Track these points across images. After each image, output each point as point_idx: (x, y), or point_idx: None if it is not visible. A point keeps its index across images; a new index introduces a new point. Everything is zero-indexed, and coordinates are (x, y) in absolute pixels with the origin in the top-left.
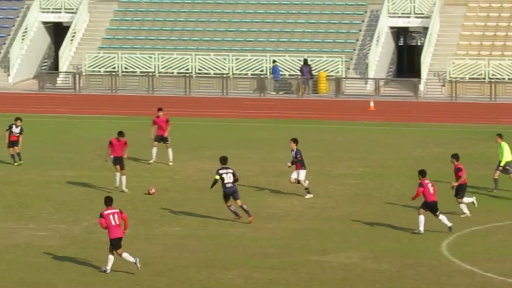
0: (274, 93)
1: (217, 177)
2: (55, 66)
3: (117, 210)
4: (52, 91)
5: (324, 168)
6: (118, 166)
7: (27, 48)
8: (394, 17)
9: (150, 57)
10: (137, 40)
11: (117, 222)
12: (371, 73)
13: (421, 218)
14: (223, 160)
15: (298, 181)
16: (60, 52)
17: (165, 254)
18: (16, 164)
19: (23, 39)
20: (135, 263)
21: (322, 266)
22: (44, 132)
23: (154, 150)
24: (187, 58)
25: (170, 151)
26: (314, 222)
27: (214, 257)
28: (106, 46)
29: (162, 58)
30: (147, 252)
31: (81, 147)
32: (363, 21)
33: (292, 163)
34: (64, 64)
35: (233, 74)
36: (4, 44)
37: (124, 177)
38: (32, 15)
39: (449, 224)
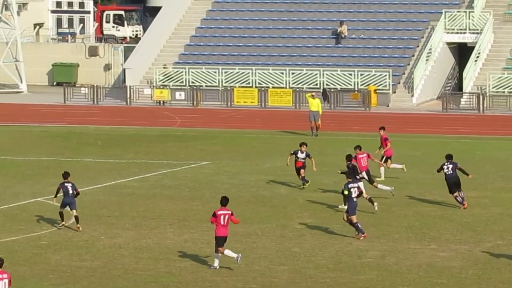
0: None
1: (346, 192)
2: (458, 86)
3: (229, 212)
4: (455, 112)
5: None
6: None
7: (431, 68)
8: None
9: None
10: None
11: (225, 223)
12: None
13: None
14: (355, 172)
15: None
16: (464, 73)
17: None
18: (302, 187)
19: (427, 60)
20: (236, 259)
21: None
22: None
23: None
24: None
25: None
26: None
27: None
28: (510, 66)
29: None
30: None
31: (484, 168)
32: None
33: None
34: (468, 85)
35: None
36: (408, 64)
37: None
38: (437, 35)
39: None
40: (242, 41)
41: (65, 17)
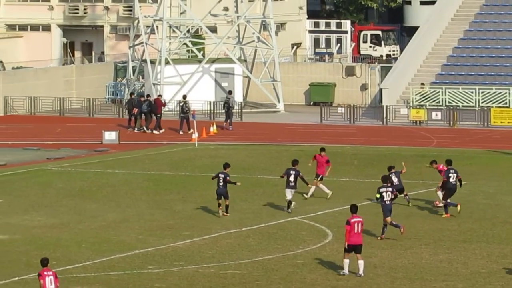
0: None
1: (378, 195)
2: None
3: (361, 219)
4: None
5: None
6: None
7: None
8: None
9: None
10: None
11: (359, 230)
12: None
13: None
14: (385, 179)
15: None
16: None
17: None
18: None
19: None
20: (359, 274)
21: None
22: None
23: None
24: None
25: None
26: None
27: None
28: None
29: None
30: None
31: None
32: None
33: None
34: None
35: None
36: None
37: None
38: None
39: None
40: (499, 61)
41: (322, 37)
